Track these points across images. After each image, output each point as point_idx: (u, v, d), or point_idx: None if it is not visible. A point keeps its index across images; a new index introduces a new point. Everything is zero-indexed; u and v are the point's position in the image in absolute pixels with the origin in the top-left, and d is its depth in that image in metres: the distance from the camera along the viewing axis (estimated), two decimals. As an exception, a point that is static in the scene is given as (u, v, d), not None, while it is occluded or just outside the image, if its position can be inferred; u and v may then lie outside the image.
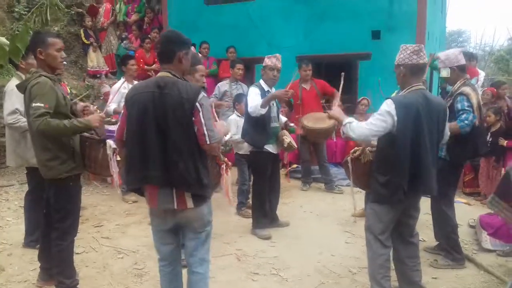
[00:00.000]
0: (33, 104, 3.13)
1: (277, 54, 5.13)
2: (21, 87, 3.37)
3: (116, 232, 5.19)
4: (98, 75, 9.94)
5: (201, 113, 2.73)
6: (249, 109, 4.88)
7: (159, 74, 2.89)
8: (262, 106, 4.83)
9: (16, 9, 9.80)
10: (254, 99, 4.93)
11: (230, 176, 3.58)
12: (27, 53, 4.45)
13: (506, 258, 4.39)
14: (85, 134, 3.51)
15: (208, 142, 2.76)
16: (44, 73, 3.32)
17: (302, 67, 7.12)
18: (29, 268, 4.25)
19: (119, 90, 6.14)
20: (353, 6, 8.49)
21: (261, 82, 5.18)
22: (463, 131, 3.90)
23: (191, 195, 2.84)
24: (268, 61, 5.11)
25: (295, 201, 6.48)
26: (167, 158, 2.76)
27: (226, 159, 3.55)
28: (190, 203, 2.85)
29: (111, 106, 6.12)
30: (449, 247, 4.31)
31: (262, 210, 5.21)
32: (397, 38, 7.25)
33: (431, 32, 9.47)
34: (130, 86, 6.16)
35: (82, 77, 9.94)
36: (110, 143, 3.44)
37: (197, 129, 2.75)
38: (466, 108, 4.04)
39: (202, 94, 2.78)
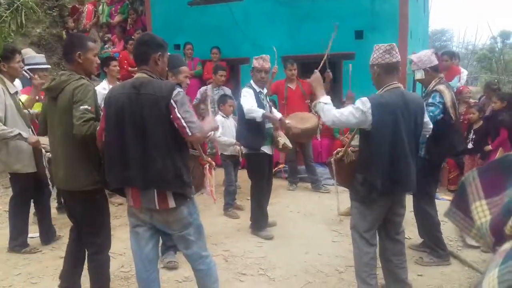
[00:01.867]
0: (81, 107, 3.02)
1: (265, 55, 5.11)
2: (53, 89, 3.19)
3: (102, 235, 5.13)
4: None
5: (176, 109, 2.76)
6: (246, 112, 4.86)
7: (136, 75, 2.93)
8: (262, 117, 4.84)
9: (-2, 12, 9.67)
10: (249, 101, 4.93)
11: (213, 176, 3.57)
12: (10, 56, 4.36)
13: (490, 254, 4.43)
14: None
15: (190, 134, 2.79)
16: (84, 76, 3.23)
17: (287, 66, 7.13)
18: (13, 273, 4.22)
19: (99, 91, 6.12)
20: (336, 7, 8.53)
21: (252, 83, 5.16)
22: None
23: (172, 194, 2.85)
24: (255, 62, 5.09)
25: (282, 201, 6.50)
26: (145, 157, 2.79)
27: (209, 159, 3.54)
28: (172, 203, 2.86)
29: None
30: (433, 244, 4.36)
31: (261, 211, 5.21)
32: (380, 38, 7.29)
33: (413, 31, 9.54)
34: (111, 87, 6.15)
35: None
36: None
37: (177, 124, 2.78)
38: (436, 103, 4.10)
39: (177, 90, 2.80)
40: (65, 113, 3.14)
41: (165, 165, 2.78)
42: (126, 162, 2.82)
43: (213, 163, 3.57)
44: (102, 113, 2.95)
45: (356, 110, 3.18)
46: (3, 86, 4.31)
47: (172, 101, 2.76)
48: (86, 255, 3.54)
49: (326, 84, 7.01)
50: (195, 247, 3.06)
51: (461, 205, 1.43)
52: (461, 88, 7.54)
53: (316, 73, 3.62)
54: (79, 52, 3.22)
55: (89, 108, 3.04)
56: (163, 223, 2.96)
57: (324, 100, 3.36)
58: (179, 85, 2.91)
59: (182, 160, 2.88)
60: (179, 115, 2.76)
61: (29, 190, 4.56)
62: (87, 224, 3.38)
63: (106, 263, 3.52)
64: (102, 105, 5.86)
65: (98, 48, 3.44)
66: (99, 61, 3.53)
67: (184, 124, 2.77)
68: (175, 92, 2.78)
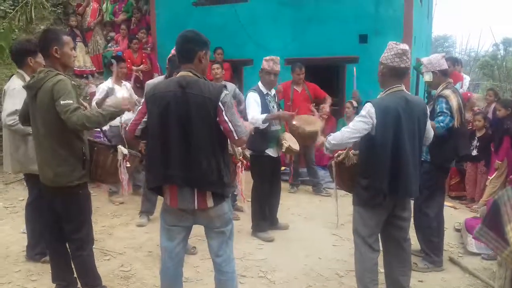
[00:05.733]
0: (62, 102, 2.99)
1: (275, 57, 5.02)
2: (32, 87, 3.18)
3: (102, 234, 5.14)
4: (84, 75, 9.86)
5: (224, 112, 2.75)
6: (250, 120, 4.75)
7: (180, 73, 2.87)
8: (264, 122, 4.81)
9: (1, 7, 9.69)
10: (254, 108, 4.88)
11: (244, 175, 3.62)
12: (36, 51, 4.10)
13: (491, 262, 4.42)
14: (95, 139, 3.43)
15: (236, 138, 2.80)
16: (61, 72, 3.21)
17: (295, 70, 7.06)
18: (13, 270, 4.20)
19: (103, 89, 6.13)
20: (340, 10, 8.54)
21: (260, 84, 5.09)
22: (438, 133, 3.87)
23: (211, 194, 2.84)
24: (265, 64, 5.00)
25: (283, 203, 6.44)
26: (190, 157, 2.76)
27: (241, 157, 3.55)
28: (210, 202, 2.85)
29: (93, 102, 6.05)
30: (426, 249, 4.36)
31: (261, 214, 5.19)
32: (384, 42, 7.21)
33: (417, 36, 9.55)
34: (116, 85, 6.15)
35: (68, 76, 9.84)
36: (122, 149, 3.38)
37: (223, 127, 2.78)
38: (444, 111, 4.09)
39: (225, 92, 2.78)
40: (46, 110, 3.13)
41: (210, 166, 2.77)
42: (168, 161, 2.78)
43: (245, 161, 3.59)
44: (140, 109, 2.90)
45: (364, 117, 3.18)
46: (23, 81, 4.05)
47: (220, 103, 2.74)
48: (70, 251, 3.53)
49: (326, 111, 6.99)
50: (229, 247, 3.06)
51: (493, 225, 1.40)
52: (469, 94, 7.54)
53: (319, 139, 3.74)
54: (55, 47, 3.20)
55: (70, 101, 3.01)
56: (206, 218, 2.94)
57: (326, 139, 3.39)
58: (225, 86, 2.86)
59: (224, 161, 2.88)
60: (226, 118, 2.75)
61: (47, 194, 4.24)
62: (69, 220, 3.38)
63: (89, 258, 3.51)
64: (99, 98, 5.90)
65: (72, 41, 3.41)
66: (75, 54, 3.50)
67: (232, 128, 2.77)
68: (223, 95, 2.76)
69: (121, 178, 3.43)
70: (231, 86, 6.66)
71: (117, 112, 3.28)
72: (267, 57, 5.03)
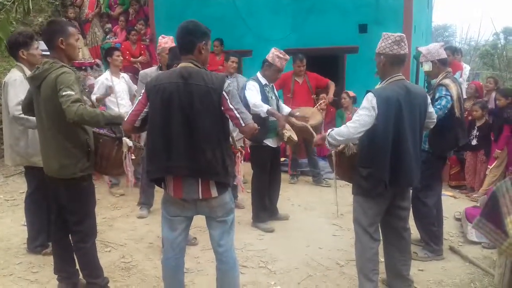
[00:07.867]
0: (63, 93, 2.97)
1: (287, 56, 5.03)
2: (36, 79, 3.16)
3: (103, 226, 5.14)
4: (83, 67, 9.82)
5: (228, 100, 2.78)
6: (252, 106, 4.77)
7: (181, 64, 2.88)
8: (267, 113, 4.82)
9: (-2, -1, 9.62)
10: (254, 95, 4.88)
11: (243, 165, 3.63)
12: (29, 43, 4.13)
13: (491, 250, 4.43)
14: (99, 130, 3.41)
15: (243, 124, 2.82)
16: (66, 64, 3.19)
17: (296, 62, 7.01)
18: (14, 262, 4.22)
19: (102, 81, 6.10)
20: (340, 0, 8.49)
21: (259, 75, 5.10)
22: (438, 116, 3.84)
23: (215, 183, 2.86)
24: (277, 61, 4.97)
25: (283, 194, 6.45)
26: (194, 147, 2.78)
27: (240, 147, 3.55)
28: (214, 192, 2.87)
29: (93, 96, 6.04)
30: (426, 238, 4.36)
31: (261, 204, 5.20)
32: (384, 32, 7.25)
33: (417, 26, 9.50)
34: (114, 78, 6.12)
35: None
36: (127, 141, 3.37)
37: (229, 115, 2.81)
38: (443, 95, 4.09)
39: (227, 82, 2.82)
40: (49, 102, 3.13)
41: (215, 156, 2.79)
42: (171, 152, 2.79)
43: (243, 152, 3.60)
44: (140, 100, 2.90)
45: (366, 109, 3.17)
46: (23, 74, 4.06)
47: (224, 92, 2.77)
48: (72, 242, 3.53)
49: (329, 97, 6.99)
50: (230, 237, 3.07)
51: (492, 216, 1.39)
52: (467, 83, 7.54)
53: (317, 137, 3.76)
54: (61, 38, 3.18)
55: (72, 93, 2.99)
56: (208, 208, 2.94)
57: (327, 133, 3.40)
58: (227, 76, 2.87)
59: (227, 150, 2.92)
60: (231, 106, 2.78)
61: (47, 185, 3.92)
62: (73, 212, 3.38)
63: (92, 250, 3.52)
64: (100, 94, 5.88)
65: (77, 32, 3.40)
66: (80, 46, 3.48)
67: (238, 115, 2.80)
68: (226, 84, 2.79)
69: (126, 171, 3.43)
70: (242, 79, 6.58)
71: (118, 120, 3.24)
72: (278, 53, 4.99)
